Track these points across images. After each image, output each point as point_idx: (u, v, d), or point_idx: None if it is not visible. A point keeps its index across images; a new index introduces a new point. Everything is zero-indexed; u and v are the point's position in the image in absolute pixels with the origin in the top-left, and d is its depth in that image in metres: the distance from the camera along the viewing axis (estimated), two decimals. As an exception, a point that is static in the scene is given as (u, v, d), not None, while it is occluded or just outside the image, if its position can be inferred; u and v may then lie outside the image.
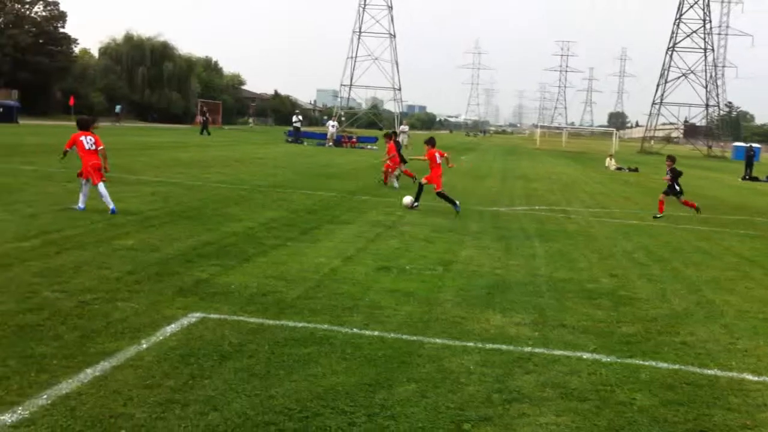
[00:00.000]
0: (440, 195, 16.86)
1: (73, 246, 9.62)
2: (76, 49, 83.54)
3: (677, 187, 18.95)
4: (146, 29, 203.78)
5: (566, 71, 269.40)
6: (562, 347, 6.77)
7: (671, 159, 19.77)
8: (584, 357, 6.53)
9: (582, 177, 34.91)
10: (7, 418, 4.43)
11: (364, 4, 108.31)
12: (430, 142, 17.69)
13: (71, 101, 46.51)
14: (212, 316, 6.90)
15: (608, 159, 46.19)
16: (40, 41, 72.96)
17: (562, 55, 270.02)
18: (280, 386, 5.27)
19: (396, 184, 22.03)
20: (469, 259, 11.01)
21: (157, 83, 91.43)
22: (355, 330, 6.86)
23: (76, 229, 10.87)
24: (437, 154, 17.17)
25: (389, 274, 9.51)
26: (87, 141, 13.39)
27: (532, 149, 77.21)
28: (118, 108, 74.58)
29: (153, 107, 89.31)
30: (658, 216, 18.40)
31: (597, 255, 12.20)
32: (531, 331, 7.25)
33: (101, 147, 13.45)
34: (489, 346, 6.66)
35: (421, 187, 17.26)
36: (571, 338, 7.10)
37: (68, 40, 77.84)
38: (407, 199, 17.20)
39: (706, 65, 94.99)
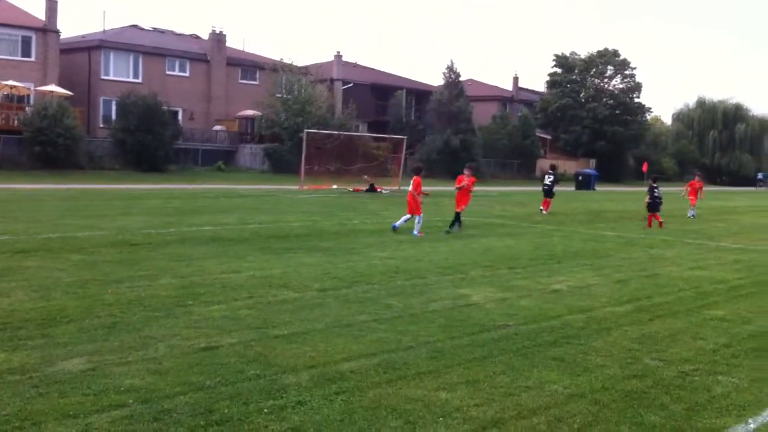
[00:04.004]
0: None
1: (664, 313, 9.86)
2: (649, 117, 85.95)
3: None
4: (718, 93, 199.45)
5: None
6: None
7: None
8: None
9: None
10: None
11: None
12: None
13: (644, 167, 47.85)
14: (823, 401, 6.41)
15: None
16: (617, 112, 76.92)
17: None
18: None
19: None
20: None
21: (728, 145, 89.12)
22: None
23: (664, 297, 11.12)
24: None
25: None
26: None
27: None
28: (760, 175, 76.84)
29: (722, 170, 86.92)
30: None
31: None
32: None
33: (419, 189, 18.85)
34: None
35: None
36: None
37: (642, 109, 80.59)
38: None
39: None
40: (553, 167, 31.02)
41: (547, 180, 28.95)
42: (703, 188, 29.00)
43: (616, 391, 6.50)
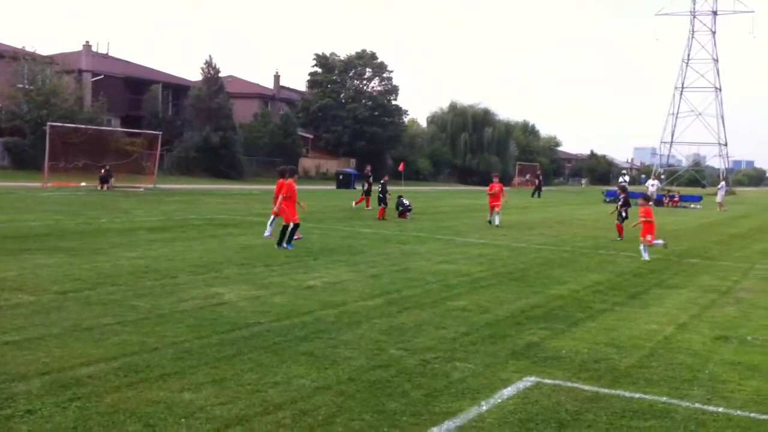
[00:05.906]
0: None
1: (412, 305, 10.29)
2: (406, 119, 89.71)
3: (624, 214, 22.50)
4: (468, 98, 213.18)
5: None
6: None
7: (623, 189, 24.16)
8: None
9: None
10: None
11: (688, 59, 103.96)
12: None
13: (401, 167, 49.85)
14: (546, 381, 6.96)
15: None
16: (376, 113, 79.53)
17: None
18: (621, 459, 5.16)
19: None
20: (823, 332, 9.91)
21: (478, 148, 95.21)
22: (697, 405, 6.51)
23: (413, 290, 11.60)
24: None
25: (729, 345, 8.90)
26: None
27: None
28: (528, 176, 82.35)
29: (473, 170, 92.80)
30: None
31: None
32: None
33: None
34: None
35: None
36: None
37: (399, 111, 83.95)
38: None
39: None
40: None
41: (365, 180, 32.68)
42: (503, 189, 25.91)
43: (361, 381, 6.64)
